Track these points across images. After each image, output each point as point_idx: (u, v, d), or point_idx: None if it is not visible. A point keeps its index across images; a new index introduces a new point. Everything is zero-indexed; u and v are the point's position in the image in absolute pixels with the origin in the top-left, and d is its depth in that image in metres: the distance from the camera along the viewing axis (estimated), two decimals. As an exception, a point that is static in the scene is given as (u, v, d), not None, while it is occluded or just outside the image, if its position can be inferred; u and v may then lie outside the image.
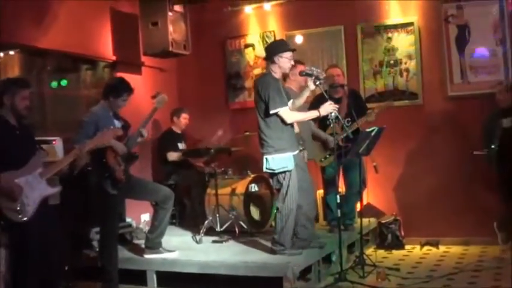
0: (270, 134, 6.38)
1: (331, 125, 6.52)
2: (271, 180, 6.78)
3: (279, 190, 6.48)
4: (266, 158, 6.41)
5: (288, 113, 6.37)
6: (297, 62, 7.16)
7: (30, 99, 5.36)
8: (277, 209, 6.49)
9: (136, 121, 6.65)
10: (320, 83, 6.55)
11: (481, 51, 8.16)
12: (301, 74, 6.81)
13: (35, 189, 5.04)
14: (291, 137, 6.49)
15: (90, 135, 5.81)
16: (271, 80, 6.43)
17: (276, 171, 6.38)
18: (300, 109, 6.81)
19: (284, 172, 6.35)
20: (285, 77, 7.12)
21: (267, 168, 6.44)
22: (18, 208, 4.94)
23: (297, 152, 6.53)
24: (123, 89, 6.40)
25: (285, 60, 6.45)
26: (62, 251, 5.37)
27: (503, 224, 7.55)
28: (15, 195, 4.95)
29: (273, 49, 6.54)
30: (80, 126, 6.14)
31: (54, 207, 5.64)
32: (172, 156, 8.74)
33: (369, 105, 8.12)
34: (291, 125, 6.49)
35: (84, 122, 6.17)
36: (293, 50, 6.59)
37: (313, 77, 6.53)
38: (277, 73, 6.51)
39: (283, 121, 6.35)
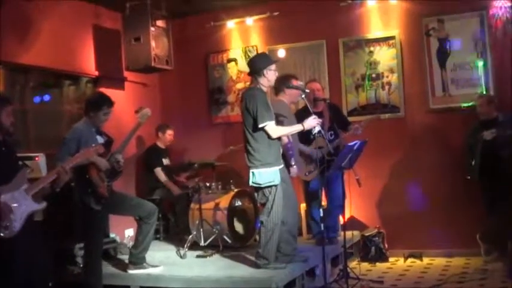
0: (257, 147, 6.35)
1: (315, 139, 6.55)
2: (256, 195, 6.72)
3: (263, 204, 6.45)
4: (252, 172, 6.37)
5: (274, 127, 6.35)
6: (291, 76, 7.24)
7: (14, 115, 5.34)
8: (262, 223, 6.48)
9: (120, 137, 6.63)
10: (305, 96, 6.64)
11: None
12: (288, 86, 6.88)
13: (21, 205, 4.99)
14: (277, 151, 6.47)
15: (72, 152, 5.78)
16: (260, 93, 6.40)
17: (262, 186, 6.36)
18: (288, 122, 6.85)
19: (270, 186, 6.34)
20: (277, 91, 7.16)
21: (253, 182, 6.39)
22: (7, 224, 4.90)
23: (282, 166, 6.52)
24: (102, 102, 6.38)
25: (272, 73, 6.47)
26: (46, 267, 5.33)
27: (486, 235, 7.59)
28: (2, 211, 4.91)
29: (261, 63, 6.46)
30: (62, 144, 6.11)
31: (38, 224, 5.60)
32: (160, 174, 8.76)
33: (352, 119, 8.16)
34: (278, 139, 6.47)
35: (66, 139, 6.14)
36: (276, 61, 6.63)
37: (301, 91, 6.74)
38: (265, 86, 6.52)
39: (268, 136, 6.35)
